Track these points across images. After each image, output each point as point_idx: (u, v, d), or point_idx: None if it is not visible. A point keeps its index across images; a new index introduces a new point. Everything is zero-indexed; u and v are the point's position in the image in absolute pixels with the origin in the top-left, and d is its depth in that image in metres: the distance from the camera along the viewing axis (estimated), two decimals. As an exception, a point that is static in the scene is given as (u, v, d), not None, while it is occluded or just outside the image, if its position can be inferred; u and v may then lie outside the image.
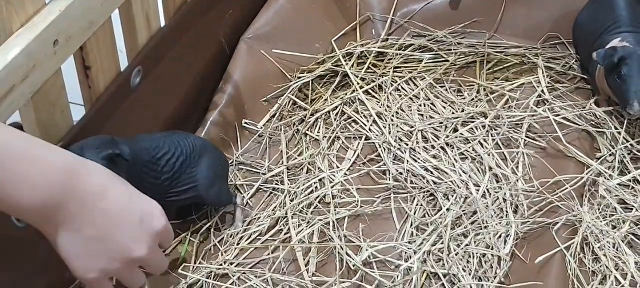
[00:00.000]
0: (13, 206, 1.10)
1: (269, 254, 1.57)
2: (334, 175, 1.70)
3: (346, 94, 1.87)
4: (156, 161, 1.48)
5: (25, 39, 1.25)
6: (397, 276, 1.50)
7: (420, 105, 1.85)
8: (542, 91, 1.86)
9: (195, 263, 1.55)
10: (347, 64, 1.92)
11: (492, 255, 1.54)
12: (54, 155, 1.14)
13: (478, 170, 1.71)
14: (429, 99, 1.87)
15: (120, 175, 1.28)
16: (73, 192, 1.13)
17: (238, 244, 1.58)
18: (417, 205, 1.65)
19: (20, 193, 1.09)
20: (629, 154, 1.72)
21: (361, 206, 1.64)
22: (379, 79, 1.90)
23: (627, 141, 1.74)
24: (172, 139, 1.51)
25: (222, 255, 1.56)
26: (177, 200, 1.54)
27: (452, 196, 1.65)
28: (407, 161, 1.72)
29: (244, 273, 1.53)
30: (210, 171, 1.55)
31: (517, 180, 1.67)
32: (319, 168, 1.71)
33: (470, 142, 1.76)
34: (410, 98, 1.87)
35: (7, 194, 1.08)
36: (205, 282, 1.50)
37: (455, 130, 1.79)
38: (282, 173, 1.71)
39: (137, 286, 1.29)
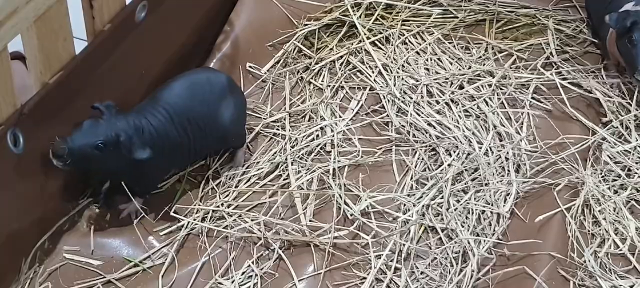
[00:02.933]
0: None
1: (266, 199, 1.55)
2: (336, 124, 1.68)
3: (353, 44, 1.84)
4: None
5: (30, -38, 1.23)
6: (395, 227, 1.49)
7: (427, 59, 1.83)
8: (551, 53, 1.84)
9: (192, 204, 1.54)
10: (355, 14, 1.89)
11: (491, 212, 1.53)
12: None
13: (482, 127, 1.69)
14: (436, 54, 1.84)
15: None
16: None
17: (237, 187, 1.57)
18: (418, 158, 1.63)
19: None
20: (635, 121, 1.69)
21: (362, 156, 1.63)
22: (386, 31, 1.87)
23: (634, 107, 1.72)
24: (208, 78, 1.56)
25: (219, 197, 1.55)
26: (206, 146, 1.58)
27: (454, 152, 1.63)
28: (411, 114, 1.70)
29: (240, 215, 1.52)
30: (236, 112, 1.57)
31: (521, 140, 1.66)
32: (321, 116, 1.70)
33: (475, 100, 1.74)
34: (417, 52, 1.84)
35: None
36: (200, 225, 1.49)
37: (461, 87, 1.77)
38: (284, 119, 1.70)
39: None
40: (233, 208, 1.53)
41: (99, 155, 1.39)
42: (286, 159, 1.61)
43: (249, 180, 1.59)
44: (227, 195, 1.56)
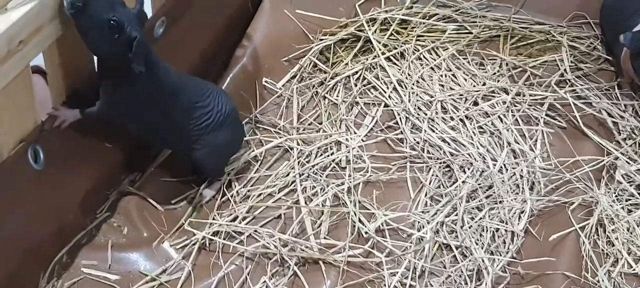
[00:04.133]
0: None
1: (281, 214, 1.57)
2: (351, 140, 1.69)
3: (368, 60, 1.86)
4: (193, 108, 1.50)
5: (53, -19, 1.24)
6: (410, 245, 1.50)
7: (441, 75, 1.84)
8: (565, 70, 1.85)
9: (208, 218, 1.55)
10: (370, 30, 1.90)
11: (505, 230, 1.54)
12: None
13: (496, 144, 1.70)
14: (451, 70, 1.85)
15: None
16: None
17: (251, 201, 1.58)
18: (432, 175, 1.64)
19: None
20: (648, 140, 1.70)
21: (376, 173, 1.64)
22: (401, 47, 1.88)
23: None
24: (220, 98, 1.54)
25: (235, 210, 1.56)
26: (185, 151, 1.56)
27: (469, 169, 1.64)
28: (425, 131, 1.71)
29: (255, 231, 1.53)
30: (223, 147, 1.57)
31: (535, 158, 1.66)
32: (336, 132, 1.71)
33: (489, 116, 1.75)
34: (432, 68, 1.85)
35: None
36: (215, 240, 1.50)
37: (476, 103, 1.78)
38: (299, 134, 1.71)
39: None
40: (247, 223, 1.54)
41: (107, 32, 1.33)
42: (300, 174, 1.62)
43: (262, 195, 1.60)
44: (242, 209, 1.57)
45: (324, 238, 1.53)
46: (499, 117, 1.75)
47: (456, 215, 1.56)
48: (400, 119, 1.74)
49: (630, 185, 1.61)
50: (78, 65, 1.40)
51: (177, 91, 1.48)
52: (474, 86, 1.81)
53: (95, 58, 1.43)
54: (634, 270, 1.49)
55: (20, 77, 1.27)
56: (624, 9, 1.80)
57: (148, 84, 1.42)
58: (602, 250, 1.52)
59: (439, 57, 1.88)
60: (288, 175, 1.63)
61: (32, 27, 1.22)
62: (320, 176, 1.62)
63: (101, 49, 1.36)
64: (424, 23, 1.95)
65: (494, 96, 1.79)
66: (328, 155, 1.67)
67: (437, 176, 1.64)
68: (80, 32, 1.32)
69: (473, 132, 1.72)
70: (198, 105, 1.51)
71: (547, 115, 1.76)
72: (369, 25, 1.92)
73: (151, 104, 1.45)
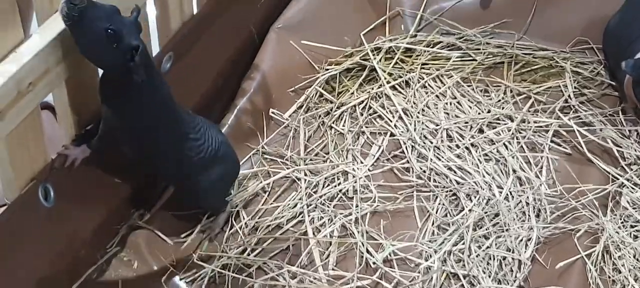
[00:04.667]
0: None
1: (289, 245, 1.58)
2: (358, 170, 1.70)
3: (373, 89, 1.87)
4: (192, 141, 1.49)
5: (62, 23, 1.26)
6: (417, 275, 1.51)
7: (446, 103, 1.85)
8: (569, 96, 1.86)
9: (215, 251, 1.56)
10: (375, 59, 1.92)
11: (512, 258, 1.55)
12: None
13: (502, 172, 1.71)
14: (456, 98, 1.87)
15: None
16: None
17: (259, 233, 1.59)
18: (439, 204, 1.65)
19: None
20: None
21: (383, 202, 1.65)
22: (406, 75, 1.90)
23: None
24: (210, 131, 1.53)
25: (244, 243, 1.57)
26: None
27: (475, 197, 1.65)
28: (431, 159, 1.72)
29: (264, 263, 1.54)
30: (218, 182, 1.56)
31: (541, 185, 1.67)
32: (342, 162, 1.72)
33: (495, 144, 1.76)
34: (437, 96, 1.87)
35: None
36: (225, 273, 1.52)
37: (481, 131, 1.79)
38: (306, 165, 1.72)
39: None
40: (256, 255, 1.56)
41: (104, 42, 1.31)
42: (308, 204, 1.64)
43: (271, 226, 1.61)
44: (250, 241, 1.58)
45: (332, 269, 1.54)
46: (504, 144, 1.76)
47: (463, 243, 1.57)
48: (406, 147, 1.76)
49: (636, 211, 1.62)
50: (87, 102, 1.42)
51: (172, 113, 1.47)
52: (479, 113, 1.83)
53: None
54: (641, 296, 1.49)
55: (30, 117, 1.28)
56: (626, 35, 1.81)
57: (148, 99, 1.41)
58: (609, 276, 1.52)
59: (444, 84, 1.90)
60: (296, 206, 1.64)
61: (42, 69, 1.24)
62: (328, 206, 1.64)
63: (101, 60, 1.34)
64: (428, 51, 1.97)
65: (499, 123, 1.81)
66: (335, 185, 1.68)
67: (443, 205, 1.66)
68: (78, 43, 1.31)
69: (479, 160, 1.73)
70: (190, 137, 1.50)
71: (552, 141, 1.77)
72: (374, 55, 1.94)
73: (150, 121, 1.44)
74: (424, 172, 1.70)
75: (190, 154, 1.50)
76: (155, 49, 1.59)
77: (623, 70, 1.71)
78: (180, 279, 1.53)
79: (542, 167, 1.72)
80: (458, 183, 1.68)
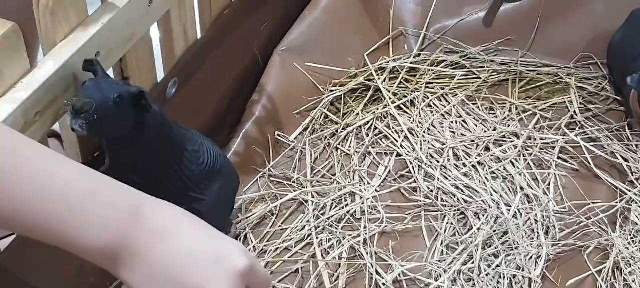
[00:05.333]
0: (75, 245, 1.02)
1: (298, 268, 1.57)
2: (365, 191, 1.70)
3: (378, 109, 1.87)
4: (190, 153, 1.47)
5: (68, 52, 1.26)
6: (428, 296, 1.51)
7: (452, 122, 1.85)
8: (575, 112, 1.86)
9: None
10: (379, 79, 1.92)
11: (523, 276, 1.54)
12: (119, 193, 1.05)
13: (509, 190, 1.71)
14: (461, 116, 1.87)
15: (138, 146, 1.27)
16: (139, 231, 1.03)
17: (265, 255, 1.59)
18: (447, 223, 1.65)
19: (83, 232, 1.00)
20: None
21: (392, 223, 1.65)
22: (411, 95, 1.90)
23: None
24: (206, 144, 1.51)
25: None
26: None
27: (483, 215, 1.65)
28: (438, 179, 1.72)
29: (274, 287, 1.54)
30: (220, 194, 1.54)
31: (549, 202, 1.67)
32: (349, 183, 1.72)
33: (502, 161, 1.76)
34: (442, 115, 1.87)
35: (68, 233, 1.00)
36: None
37: (487, 149, 1.79)
38: (313, 187, 1.72)
39: None
40: (266, 279, 1.55)
41: (115, 112, 1.30)
42: (316, 227, 1.63)
43: (279, 249, 1.61)
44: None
45: (342, 292, 1.53)
46: (511, 161, 1.76)
47: (473, 263, 1.56)
48: (412, 167, 1.75)
49: (646, 227, 1.62)
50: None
51: (169, 129, 1.45)
52: (485, 132, 1.83)
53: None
54: (653, 312, 1.49)
55: (38, 146, 1.28)
56: (630, 51, 1.82)
57: (151, 127, 1.39)
58: (620, 293, 1.52)
59: (449, 103, 1.90)
60: (304, 228, 1.64)
61: (49, 98, 1.24)
62: (336, 228, 1.63)
63: (121, 127, 1.34)
64: (432, 70, 1.97)
65: (505, 141, 1.81)
66: (343, 207, 1.68)
67: (452, 224, 1.65)
68: (101, 136, 1.33)
69: (486, 178, 1.73)
70: (188, 149, 1.48)
71: (559, 158, 1.77)
72: (378, 75, 1.94)
73: (154, 144, 1.42)
74: (431, 191, 1.70)
75: (190, 166, 1.48)
76: (160, 75, 1.58)
77: (628, 85, 1.71)
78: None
79: (549, 184, 1.72)
80: (466, 202, 1.68)
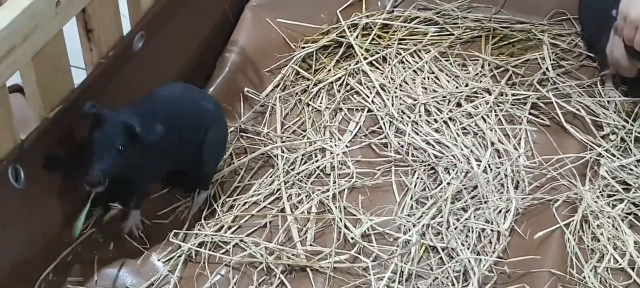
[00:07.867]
0: None
1: (267, 222, 1.57)
2: (335, 147, 1.69)
3: (350, 65, 1.86)
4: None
5: (27, 0, 1.24)
6: (396, 249, 1.50)
7: (424, 78, 1.84)
8: (547, 69, 1.85)
9: (192, 229, 1.55)
10: (351, 35, 1.91)
11: (491, 230, 1.54)
12: None
13: (480, 145, 1.70)
14: (433, 73, 1.86)
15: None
16: None
17: (233, 209, 1.58)
18: (417, 178, 1.64)
19: None
20: (632, 135, 1.70)
21: (361, 178, 1.64)
22: (383, 51, 1.89)
23: (631, 122, 1.73)
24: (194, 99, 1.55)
25: (222, 220, 1.56)
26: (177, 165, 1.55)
27: (453, 170, 1.64)
28: (409, 134, 1.71)
29: (241, 240, 1.53)
30: (216, 145, 1.57)
31: (519, 157, 1.67)
32: (320, 139, 1.71)
33: (473, 117, 1.75)
34: (415, 71, 1.86)
35: None
36: (201, 251, 1.50)
37: (459, 105, 1.78)
38: (283, 142, 1.71)
39: None
40: (233, 233, 1.54)
41: (123, 158, 1.37)
42: (285, 182, 1.62)
43: (245, 204, 1.60)
44: (227, 219, 1.56)
45: (310, 245, 1.53)
46: (482, 117, 1.75)
47: (441, 217, 1.56)
48: (384, 123, 1.74)
49: (614, 180, 1.61)
50: (56, 81, 1.40)
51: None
52: (457, 88, 1.82)
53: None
54: (620, 264, 1.49)
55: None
56: (604, 3, 1.79)
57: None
58: (588, 246, 1.52)
59: (421, 59, 1.89)
60: (273, 183, 1.63)
61: (6, 48, 1.22)
62: (305, 183, 1.63)
63: (135, 162, 1.41)
64: (405, 26, 1.95)
65: (477, 97, 1.80)
66: (313, 163, 1.67)
67: (422, 179, 1.65)
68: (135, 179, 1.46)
69: (457, 134, 1.72)
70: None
71: (530, 113, 1.77)
72: (350, 31, 1.92)
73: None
74: (402, 146, 1.69)
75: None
76: (126, 29, 1.56)
77: (613, 16, 1.68)
78: (158, 260, 1.51)
79: (520, 139, 1.72)
80: (436, 157, 1.67)
